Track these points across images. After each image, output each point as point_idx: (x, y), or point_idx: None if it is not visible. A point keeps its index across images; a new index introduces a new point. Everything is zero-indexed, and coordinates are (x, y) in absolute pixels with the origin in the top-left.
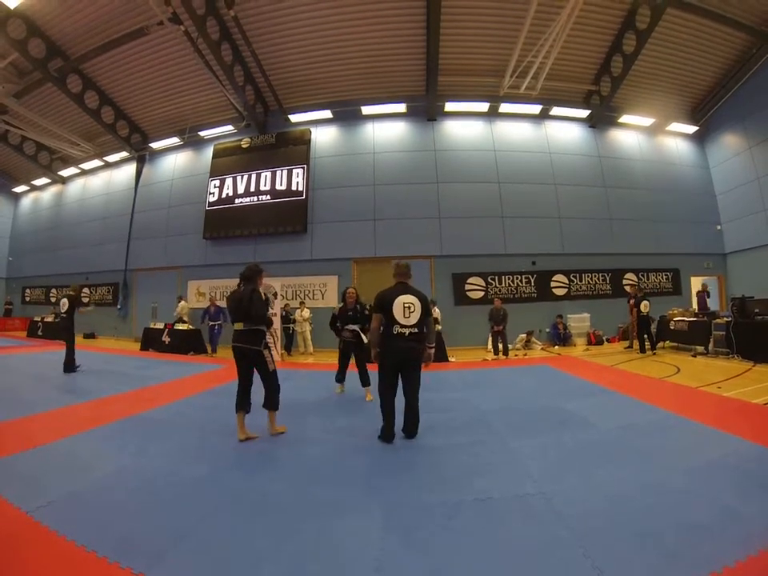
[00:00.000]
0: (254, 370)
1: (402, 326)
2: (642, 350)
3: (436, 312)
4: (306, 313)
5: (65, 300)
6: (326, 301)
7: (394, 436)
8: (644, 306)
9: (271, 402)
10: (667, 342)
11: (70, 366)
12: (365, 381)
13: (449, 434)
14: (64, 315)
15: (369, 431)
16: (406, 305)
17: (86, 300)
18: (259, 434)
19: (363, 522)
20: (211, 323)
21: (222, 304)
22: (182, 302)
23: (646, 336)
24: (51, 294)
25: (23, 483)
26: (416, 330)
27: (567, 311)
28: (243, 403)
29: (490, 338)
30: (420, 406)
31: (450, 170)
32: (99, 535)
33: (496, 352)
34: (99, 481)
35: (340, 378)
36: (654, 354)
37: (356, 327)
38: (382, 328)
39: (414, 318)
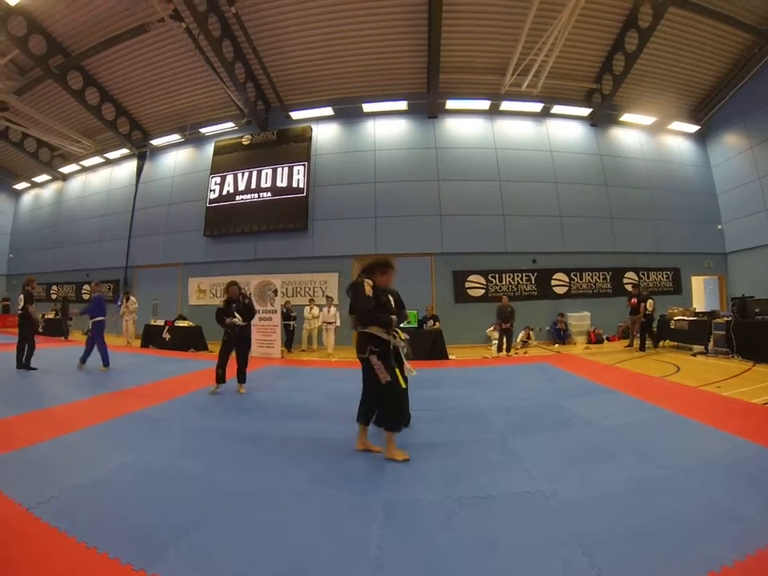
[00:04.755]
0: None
1: None
2: (643, 348)
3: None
4: (316, 310)
5: (21, 296)
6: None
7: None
8: (649, 305)
9: (386, 421)
10: (667, 341)
11: (23, 362)
12: (241, 377)
13: (449, 431)
14: (20, 311)
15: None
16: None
17: (53, 297)
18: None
19: (363, 520)
20: (93, 319)
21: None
22: (130, 299)
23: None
24: (52, 291)
25: (24, 479)
26: None
27: (568, 309)
28: (363, 414)
29: (497, 335)
30: (421, 403)
31: (451, 167)
32: (100, 531)
33: (500, 349)
34: (100, 477)
35: (221, 376)
36: (645, 352)
37: (238, 320)
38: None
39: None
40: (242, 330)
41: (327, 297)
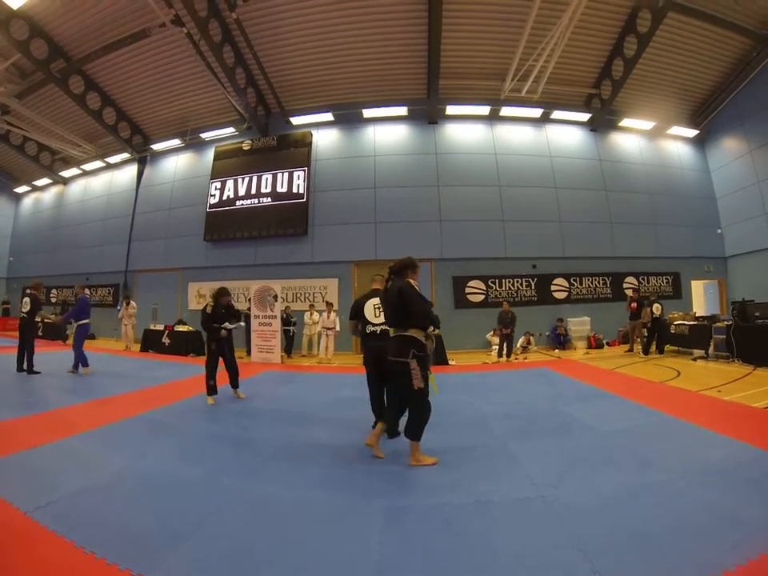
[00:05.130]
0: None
1: (374, 325)
2: (646, 351)
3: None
4: (316, 316)
5: (27, 299)
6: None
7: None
8: (656, 309)
9: (412, 429)
10: (667, 345)
11: (23, 366)
12: (236, 382)
13: (449, 437)
14: (25, 315)
15: (367, 433)
16: (375, 306)
17: (53, 300)
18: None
19: (364, 526)
20: (78, 322)
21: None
22: (131, 304)
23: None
24: (52, 295)
25: (22, 483)
26: (387, 328)
27: (567, 315)
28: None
29: (497, 340)
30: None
31: (450, 173)
32: (98, 536)
33: (500, 354)
34: (99, 481)
35: (213, 387)
36: (647, 356)
37: (229, 325)
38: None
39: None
40: (229, 335)
41: (327, 302)
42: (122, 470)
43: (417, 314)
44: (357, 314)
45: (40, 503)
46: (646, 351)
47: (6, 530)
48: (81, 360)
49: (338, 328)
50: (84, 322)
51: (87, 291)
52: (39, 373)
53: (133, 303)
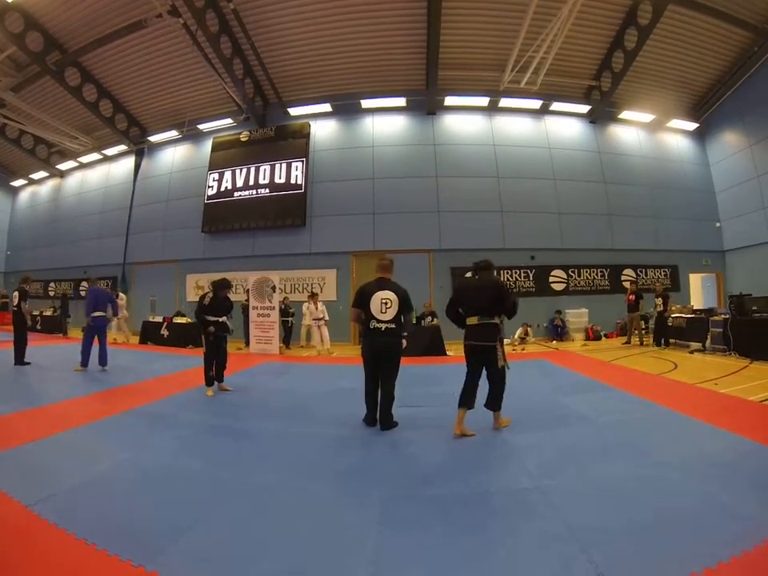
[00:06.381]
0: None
1: (379, 321)
2: (665, 343)
3: None
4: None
5: (15, 293)
6: (324, 294)
7: (376, 422)
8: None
9: (496, 401)
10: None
11: (20, 359)
12: (222, 376)
13: (446, 428)
14: (15, 309)
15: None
16: (383, 300)
17: (51, 294)
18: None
19: (361, 517)
20: (93, 314)
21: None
22: (120, 296)
23: (645, 330)
24: (50, 288)
25: (23, 476)
26: (392, 326)
27: (565, 306)
28: (470, 400)
29: None
30: (415, 399)
31: (449, 164)
32: (99, 528)
33: None
34: (99, 474)
35: (212, 378)
36: (657, 347)
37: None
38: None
39: (391, 313)
40: (225, 329)
41: (312, 293)
42: (122, 463)
43: (509, 305)
44: (362, 302)
45: (41, 496)
46: (664, 343)
47: (8, 522)
48: (82, 355)
49: (326, 317)
50: (97, 314)
51: (101, 284)
52: (29, 363)
53: (122, 295)
